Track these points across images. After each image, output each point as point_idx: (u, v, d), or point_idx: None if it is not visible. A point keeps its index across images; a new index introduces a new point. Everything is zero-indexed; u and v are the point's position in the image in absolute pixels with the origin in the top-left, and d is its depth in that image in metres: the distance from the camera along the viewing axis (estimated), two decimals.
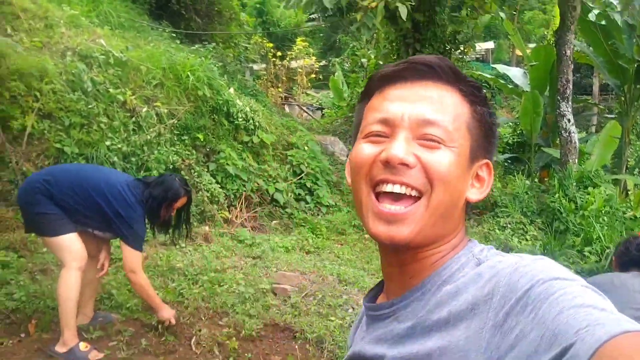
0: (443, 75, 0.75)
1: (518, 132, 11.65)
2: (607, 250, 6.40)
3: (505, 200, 8.38)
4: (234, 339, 3.29)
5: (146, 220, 3.36)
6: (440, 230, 0.73)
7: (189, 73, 6.09)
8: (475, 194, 0.77)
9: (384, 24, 7.86)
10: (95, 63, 5.41)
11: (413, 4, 6.91)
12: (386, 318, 0.77)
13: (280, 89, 14.89)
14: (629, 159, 9.75)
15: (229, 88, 7.02)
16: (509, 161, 11.51)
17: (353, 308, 3.92)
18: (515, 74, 11.93)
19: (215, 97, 6.44)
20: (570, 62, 7.59)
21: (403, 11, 6.55)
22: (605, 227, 6.96)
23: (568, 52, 7.51)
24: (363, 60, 11.29)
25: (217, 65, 7.15)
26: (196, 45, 7.51)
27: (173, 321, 3.34)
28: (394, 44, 9.42)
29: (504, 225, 7.66)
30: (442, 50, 8.39)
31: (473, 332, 0.63)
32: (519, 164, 10.89)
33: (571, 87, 7.74)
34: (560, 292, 0.58)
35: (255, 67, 15.04)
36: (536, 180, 9.12)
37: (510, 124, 13.09)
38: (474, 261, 0.72)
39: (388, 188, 0.71)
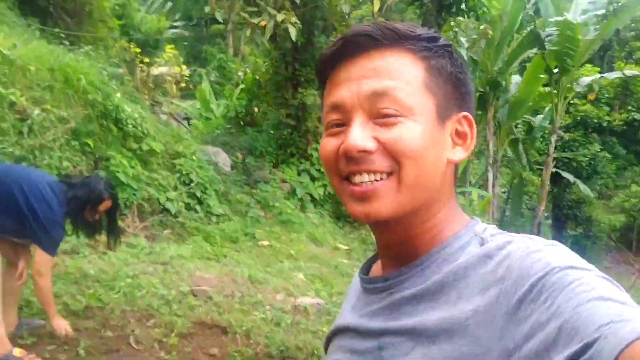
0: (384, 39, 0.70)
1: None
2: None
3: None
4: (173, 335, 3.44)
5: (68, 223, 3.33)
6: (424, 200, 0.70)
7: (81, 76, 5.91)
8: (458, 152, 0.73)
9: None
10: None
11: (301, 26, 7.46)
12: (381, 292, 0.74)
13: (147, 97, 14.49)
14: (470, 176, 11.42)
15: (116, 93, 6.88)
16: None
17: (270, 304, 4.26)
18: None
19: (105, 102, 6.30)
20: None
21: (293, 32, 7.06)
22: None
23: None
24: (239, 73, 11.60)
25: (106, 69, 6.96)
26: (79, 48, 7.21)
27: (69, 331, 3.27)
28: (273, 61, 9.93)
29: None
30: None
31: (484, 317, 0.61)
32: None
33: None
34: (577, 283, 0.56)
35: (119, 71, 14.47)
36: None
37: None
38: (476, 240, 0.70)
39: (357, 179, 0.69)
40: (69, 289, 3.84)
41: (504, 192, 11.72)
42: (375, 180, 0.68)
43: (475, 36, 9.33)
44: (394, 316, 0.70)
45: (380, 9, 9.96)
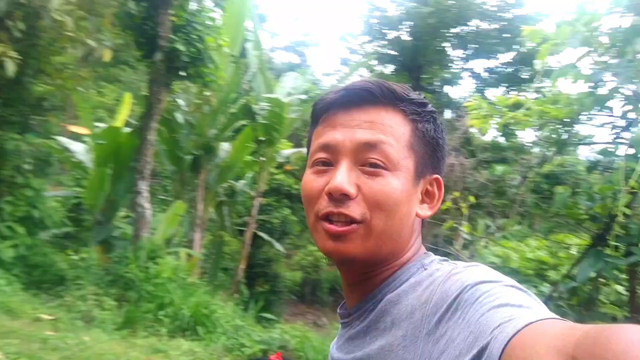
0: (382, 97, 0.75)
1: (70, 207, 10.95)
2: (181, 311, 7.42)
3: (77, 272, 8.29)
4: None
5: None
6: (390, 249, 0.75)
7: None
8: (425, 209, 0.78)
9: None
10: None
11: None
12: (346, 326, 0.80)
13: None
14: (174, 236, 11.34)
15: None
16: (61, 237, 10.60)
17: None
18: (78, 149, 11.57)
19: None
20: (151, 145, 8.56)
21: (11, 66, 6.13)
22: (176, 293, 8.00)
23: (150, 137, 8.48)
24: None
25: None
26: None
27: None
28: None
29: (83, 296, 7.62)
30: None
31: (410, 341, 0.65)
32: (73, 240, 10.31)
33: (150, 168, 8.67)
34: (485, 295, 0.59)
35: None
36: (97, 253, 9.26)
37: (60, 198, 11.92)
38: (421, 271, 0.74)
39: (334, 219, 0.73)
40: None
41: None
42: (349, 223, 0.73)
43: (198, 101, 9.59)
44: (349, 349, 0.77)
45: (85, 59, 9.37)
